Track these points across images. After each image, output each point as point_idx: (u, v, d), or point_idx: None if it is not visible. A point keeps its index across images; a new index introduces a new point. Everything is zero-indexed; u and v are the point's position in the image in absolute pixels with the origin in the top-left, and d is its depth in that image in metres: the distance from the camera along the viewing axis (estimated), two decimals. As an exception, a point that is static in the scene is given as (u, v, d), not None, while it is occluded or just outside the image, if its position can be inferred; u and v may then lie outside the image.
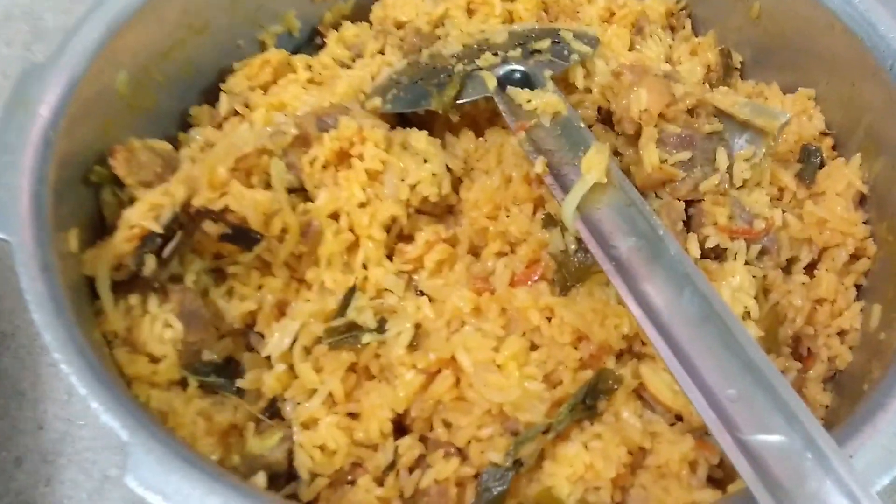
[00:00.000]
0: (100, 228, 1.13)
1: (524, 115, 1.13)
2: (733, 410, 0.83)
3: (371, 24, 1.47)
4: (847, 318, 1.14)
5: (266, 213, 1.07)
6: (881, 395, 0.89)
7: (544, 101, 1.12)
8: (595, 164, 1.01)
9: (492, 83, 1.18)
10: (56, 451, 1.29)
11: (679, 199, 1.12)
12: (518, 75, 1.21)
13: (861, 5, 1.18)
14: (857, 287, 1.18)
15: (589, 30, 1.31)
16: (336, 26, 1.48)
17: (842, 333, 1.15)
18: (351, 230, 1.12)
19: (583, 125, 1.11)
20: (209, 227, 1.04)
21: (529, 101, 1.14)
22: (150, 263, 1.03)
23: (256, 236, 1.06)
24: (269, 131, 1.16)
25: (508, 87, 1.17)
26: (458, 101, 1.19)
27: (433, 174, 1.13)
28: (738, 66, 1.41)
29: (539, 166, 1.06)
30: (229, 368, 1.07)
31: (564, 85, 1.22)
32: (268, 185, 1.14)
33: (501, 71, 1.21)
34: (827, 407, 1.11)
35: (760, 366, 0.85)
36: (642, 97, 1.10)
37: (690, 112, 1.11)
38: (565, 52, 1.23)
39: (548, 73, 1.19)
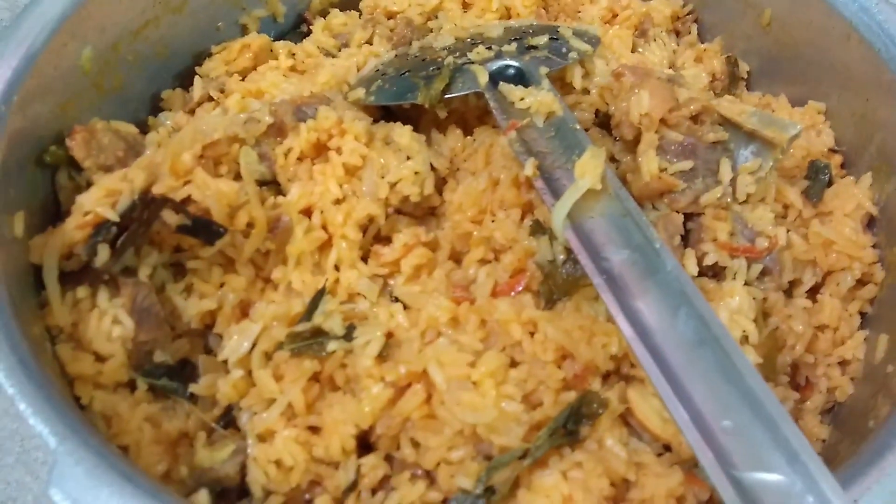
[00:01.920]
0: (53, 214, 1.06)
1: (516, 113, 1.06)
2: (728, 444, 0.76)
3: (360, 13, 1.41)
4: (850, 348, 1.08)
5: (231, 205, 1.00)
6: (889, 434, 0.82)
7: (538, 99, 1.05)
8: (590, 169, 0.94)
9: (483, 78, 1.11)
10: (3, 449, 1.24)
11: (678, 212, 1.06)
12: (512, 71, 1.14)
13: (880, 15, 1.13)
14: (863, 315, 1.11)
15: (590, 28, 1.24)
16: (324, 14, 1.42)
17: (843, 363, 1.09)
18: (324, 228, 1.04)
19: (578, 127, 1.04)
20: (169, 216, 0.97)
21: (522, 98, 1.07)
22: (103, 254, 0.95)
23: (219, 230, 0.99)
24: (242, 118, 1.09)
25: (501, 83, 1.11)
26: (447, 96, 1.12)
27: (416, 172, 1.06)
28: (745, 75, 1.35)
29: (529, 168, 0.99)
30: (183, 372, 1.00)
31: (561, 84, 1.16)
32: (238, 176, 1.07)
33: (494, 66, 1.14)
34: (824, 441, 1.05)
35: (761, 397, 0.78)
36: (644, 100, 1.03)
37: (694, 119, 1.05)
38: (563, 50, 1.16)
39: (544, 70, 1.12)
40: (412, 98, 1.12)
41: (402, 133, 1.09)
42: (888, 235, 1.11)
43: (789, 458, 0.74)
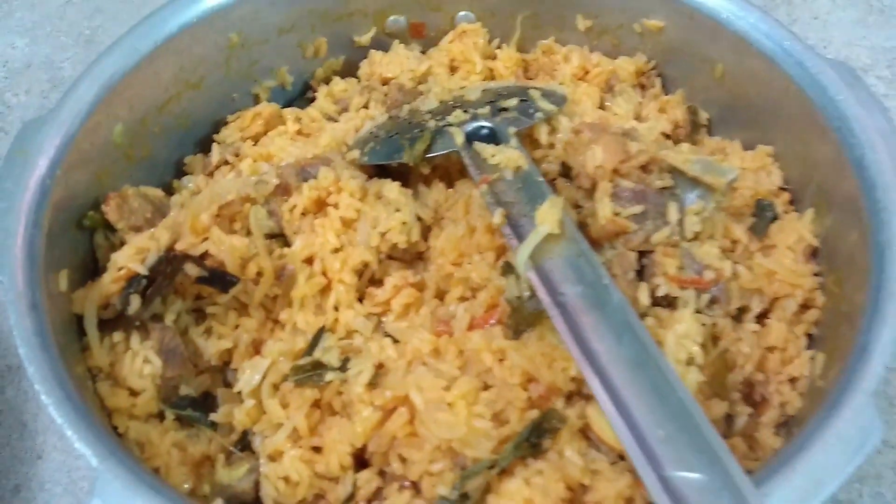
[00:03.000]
0: (91, 270, 1.22)
1: (488, 168, 1.20)
2: (660, 450, 0.89)
3: (359, 79, 1.56)
4: (797, 366, 1.17)
5: (243, 257, 1.15)
6: (804, 438, 0.93)
7: (507, 155, 1.19)
8: (549, 216, 1.08)
9: (459, 139, 1.25)
10: (53, 480, 1.35)
11: (632, 250, 1.17)
12: (485, 131, 1.28)
13: (813, 69, 1.24)
14: (810, 336, 1.22)
15: (559, 88, 1.38)
16: (327, 81, 1.57)
17: (793, 380, 1.18)
18: (324, 274, 1.18)
19: (541, 179, 1.17)
20: (190, 269, 1.12)
21: (493, 155, 1.21)
22: (135, 303, 1.10)
23: (232, 279, 1.13)
24: (252, 181, 1.24)
25: (476, 142, 1.25)
26: (428, 155, 1.26)
27: (403, 223, 1.19)
28: (706, 122, 1.47)
29: (497, 217, 1.13)
30: (205, 403, 1.14)
31: (530, 140, 1.29)
32: (249, 232, 1.21)
33: (469, 127, 1.28)
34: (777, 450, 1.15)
35: (690, 409, 0.91)
36: (597, 154, 1.16)
37: (644, 168, 1.17)
38: (531, 111, 1.31)
39: (512, 129, 1.26)
40: (398, 158, 1.27)
41: (391, 189, 1.23)
42: (829, 264, 1.22)
43: (710, 461, 0.86)
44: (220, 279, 1.13)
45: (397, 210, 1.21)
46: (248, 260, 1.16)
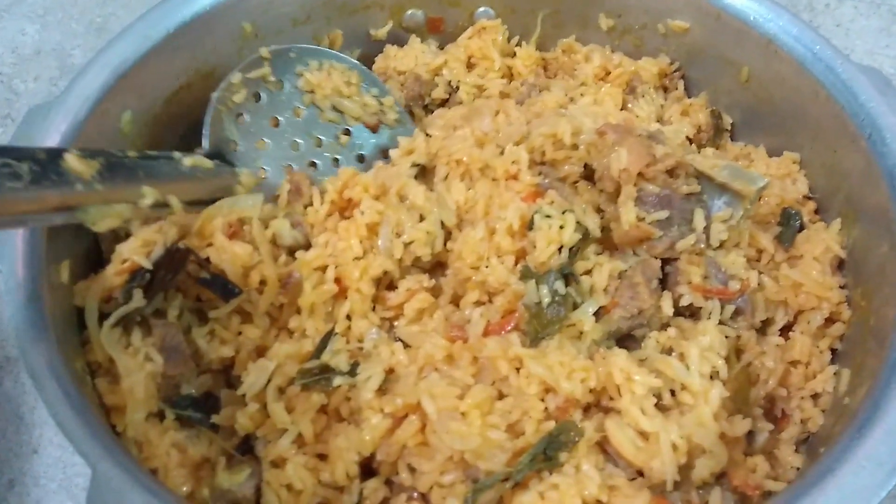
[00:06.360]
0: (94, 261, 1.18)
1: None
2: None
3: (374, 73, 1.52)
4: (820, 381, 1.15)
5: (245, 265, 1.11)
6: (833, 459, 0.90)
7: None
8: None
9: None
10: (48, 476, 1.32)
11: (656, 257, 1.13)
12: None
13: (844, 74, 1.21)
14: (834, 351, 1.19)
15: None
16: (341, 75, 1.53)
17: (815, 396, 1.16)
18: (336, 281, 1.14)
19: None
20: (194, 269, 1.08)
21: None
22: (138, 297, 1.06)
23: (234, 290, 1.09)
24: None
25: None
26: None
27: (427, 232, 1.15)
28: (729, 127, 1.44)
29: None
30: (207, 403, 1.10)
31: (553, 140, 1.24)
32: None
33: None
34: (798, 469, 1.11)
35: None
36: (622, 156, 1.12)
37: (670, 172, 1.13)
38: None
39: None
40: None
41: (418, 193, 1.18)
42: (855, 277, 1.19)
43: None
44: (221, 286, 1.09)
45: (421, 217, 1.17)
46: (250, 268, 1.12)
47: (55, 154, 0.94)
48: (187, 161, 1.17)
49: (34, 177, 0.88)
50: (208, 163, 1.20)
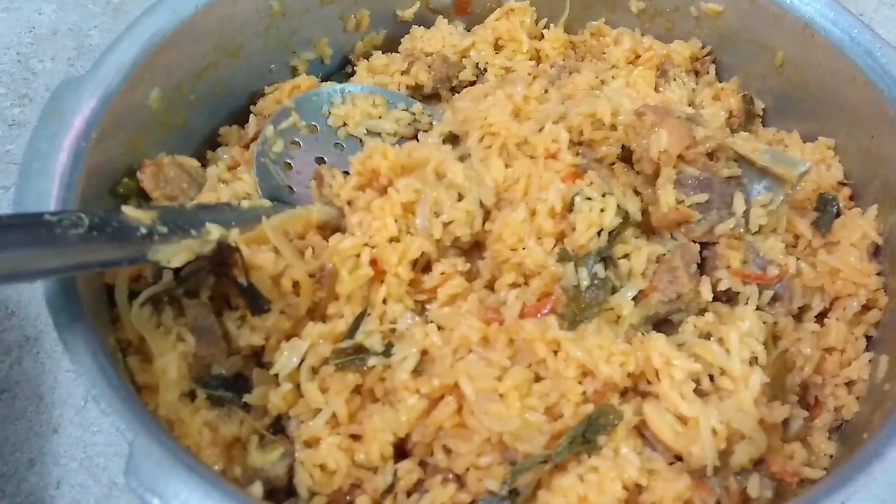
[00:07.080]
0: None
1: None
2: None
3: (401, 54, 1.51)
4: (855, 369, 1.14)
5: (272, 275, 1.08)
6: (879, 444, 0.89)
7: None
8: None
9: None
10: (69, 455, 1.32)
11: (694, 241, 1.12)
12: None
13: (883, 58, 1.20)
14: (868, 338, 1.18)
15: None
16: (367, 56, 1.52)
17: (850, 384, 1.15)
18: (373, 263, 1.11)
19: None
20: (234, 271, 1.06)
21: None
22: (167, 277, 1.05)
23: (263, 306, 1.06)
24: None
25: None
26: None
27: (467, 211, 1.12)
28: (761, 112, 1.42)
29: None
30: (238, 383, 1.09)
31: (592, 120, 1.20)
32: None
33: None
34: (831, 457, 1.11)
35: None
36: (662, 138, 1.10)
37: (710, 155, 1.12)
38: None
39: None
40: None
41: (457, 171, 1.14)
42: (892, 263, 1.17)
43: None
44: (253, 298, 1.06)
45: (460, 196, 1.14)
46: (279, 276, 1.09)
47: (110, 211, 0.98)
48: (245, 205, 1.18)
49: (96, 226, 0.92)
50: (266, 203, 1.22)
